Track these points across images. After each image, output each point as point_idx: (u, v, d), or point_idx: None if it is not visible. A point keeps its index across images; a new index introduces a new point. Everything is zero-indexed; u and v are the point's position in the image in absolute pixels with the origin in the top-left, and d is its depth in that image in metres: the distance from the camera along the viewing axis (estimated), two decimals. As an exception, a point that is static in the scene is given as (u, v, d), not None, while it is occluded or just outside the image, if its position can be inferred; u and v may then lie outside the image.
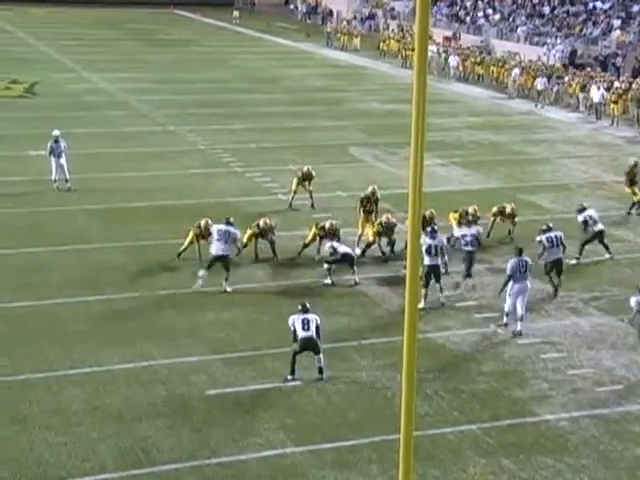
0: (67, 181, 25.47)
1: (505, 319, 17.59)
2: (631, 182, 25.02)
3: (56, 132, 25.93)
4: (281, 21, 77.04)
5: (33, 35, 62.61)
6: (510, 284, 17.42)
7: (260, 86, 45.08)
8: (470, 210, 21.90)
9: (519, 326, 17.35)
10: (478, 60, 48.96)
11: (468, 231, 19.75)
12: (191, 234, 20.26)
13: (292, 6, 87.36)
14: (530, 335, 17.34)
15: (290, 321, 15.40)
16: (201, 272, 18.84)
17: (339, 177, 27.96)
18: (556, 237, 19.10)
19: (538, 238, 19.33)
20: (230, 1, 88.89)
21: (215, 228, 19.27)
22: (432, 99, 35.03)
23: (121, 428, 13.74)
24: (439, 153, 30.71)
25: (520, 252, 17.72)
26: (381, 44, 58.20)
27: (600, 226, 21.09)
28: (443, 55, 50.64)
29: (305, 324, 15.19)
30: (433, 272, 18.33)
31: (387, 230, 20.89)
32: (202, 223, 20.24)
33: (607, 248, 21.32)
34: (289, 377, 15.25)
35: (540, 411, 14.64)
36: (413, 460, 7.76)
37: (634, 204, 25.01)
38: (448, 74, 48.55)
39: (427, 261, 18.20)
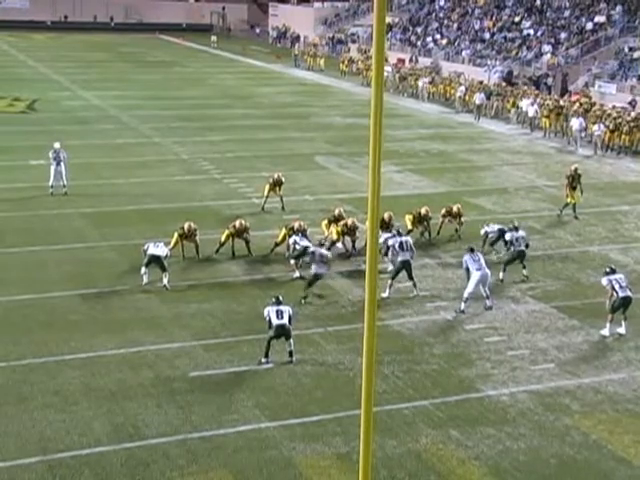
0: (64, 186, 25.28)
1: (463, 306, 17.70)
2: (571, 186, 24.77)
3: (57, 144, 25.75)
4: (254, 45, 76.84)
5: (33, 58, 61.98)
6: (472, 274, 17.69)
7: (236, 102, 44.93)
8: (422, 211, 21.97)
9: (488, 302, 17.87)
10: (430, 80, 48.97)
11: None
12: (175, 235, 20.16)
13: (258, 30, 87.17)
14: (475, 321, 17.42)
15: (265, 312, 15.34)
16: (142, 269, 18.65)
17: (306, 183, 27.93)
18: (522, 237, 19.81)
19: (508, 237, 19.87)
20: (208, 27, 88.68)
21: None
22: (388, 114, 35.04)
23: (114, 407, 13.65)
24: (395, 161, 30.77)
25: (472, 250, 18.23)
26: (341, 65, 58.16)
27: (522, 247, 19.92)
28: (397, 75, 50.66)
29: (279, 314, 15.15)
30: (405, 267, 18.41)
31: (350, 231, 20.87)
32: (185, 226, 20.16)
33: (524, 268, 19.93)
34: (263, 360, 15.21)
35: (484, 387, 14.72)
36: (372, 432, 7.77)
37: (566, 205, 24.82)
38: (404, 93, 48.65)
39: (400, 257, 18.36)
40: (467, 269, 17.93)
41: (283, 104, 44.91)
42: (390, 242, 18.84)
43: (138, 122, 37.91)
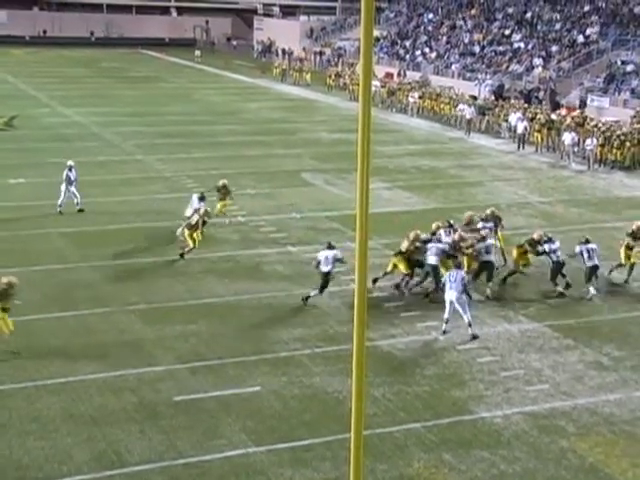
0: (78, 203, 25.53)
1: (444, 326, 17.64)
2: (627, 246, 21.09)
3: (70, 162, 25.90)
4: (238, 59, 77.05)
5: (11, 73, 61.93)
6: (447, 293, 17.58)
7: (220, 118, 45.00)
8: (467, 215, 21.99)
9: (470, 330, 17.45)
10: (420, 95, 49.01)
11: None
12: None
13: (234, 43, 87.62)
14: (467, 341, 17.40)
15: (319, 255, 18.63)
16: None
17: (293, 200, 27.93)
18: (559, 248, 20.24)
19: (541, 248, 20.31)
20: (192, 42, 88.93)
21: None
22: (377, 129, 35.10)
23: (95, 433, 13.53)
24: (384, 177, 30.81)
25: (458, 266, 18.21)
26: (328, 79, 58.31)
27: (595, 261, 19.94)
28: (384, 90, 50.72)
29: (325, 259, 18.40)
30: (488, 268, 19.75)
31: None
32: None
33: (564, 276, 20.25)
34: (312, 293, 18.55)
35: (477, 409, 14.68)
36: (363, 457, 7.72)
37: (620, 266, 21.20)
38: (392, 108, 48.82)
39: (485, 258, 19.72)
40: (443, 284, 17.94)
41: (268, 120, 45.00)
42: (478, 246, 19.83)
43: (121, 139, 37.89)
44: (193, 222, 21.64)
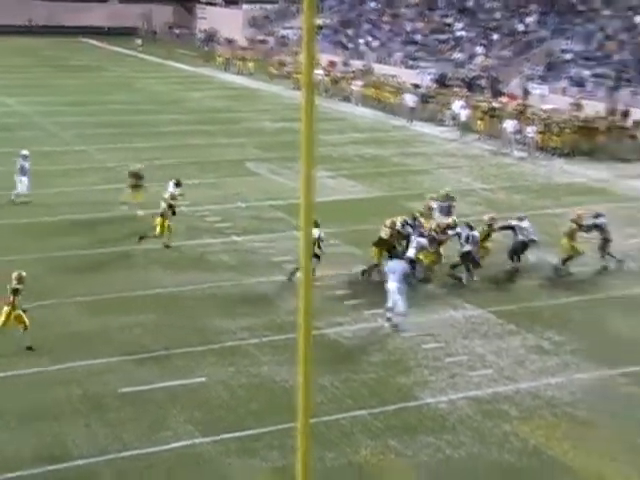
0: (26, 196, 25.30)
1: (388, 314, 17.73)
2: (570, 236, 21.13)
3: (25, 152, 25.78)
4: (181, 48, 76.28)
5: (-52, 63, 60.62)
6: (388, 282, 17.69)
7: (163, 107, 44.57)
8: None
9: (397, 319, 17.48)
10: (363, 83, 48.93)
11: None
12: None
13: (177, 31, 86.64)
14: (412, 328, 17.52)
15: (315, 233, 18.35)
16: None
17: (238, 189, 27.81)
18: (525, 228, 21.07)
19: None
20: (133, 30, 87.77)
21: None
22: (321, 118, 35.13)
23: (40, 427, 13.36)
24: (328, 166, 30.80)
25: (390, 257, 18.58)
26: (271, 68, 58.02)
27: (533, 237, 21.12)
28: (327, 78, 50.66)
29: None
30: (464, 258, 20.00)
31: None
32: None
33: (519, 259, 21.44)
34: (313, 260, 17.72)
35: (422, 395, 14.82)
36: (311, 445, 7.74)
37: (570, 258, 21.12)
38: (336, 96, 48.82)
39: (466, 248, 19.95)
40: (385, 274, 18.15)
41: (212, 109, 44.71)
42: (458, 229, 20.22)
43: (62, 129, 37.32)
44: (161, 209, 21.50)
